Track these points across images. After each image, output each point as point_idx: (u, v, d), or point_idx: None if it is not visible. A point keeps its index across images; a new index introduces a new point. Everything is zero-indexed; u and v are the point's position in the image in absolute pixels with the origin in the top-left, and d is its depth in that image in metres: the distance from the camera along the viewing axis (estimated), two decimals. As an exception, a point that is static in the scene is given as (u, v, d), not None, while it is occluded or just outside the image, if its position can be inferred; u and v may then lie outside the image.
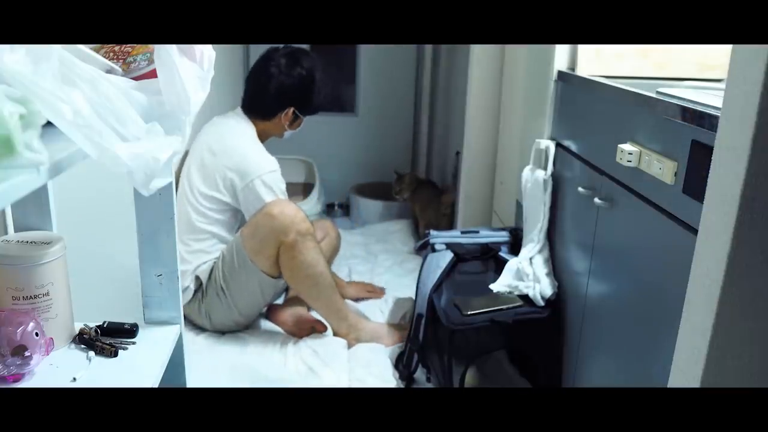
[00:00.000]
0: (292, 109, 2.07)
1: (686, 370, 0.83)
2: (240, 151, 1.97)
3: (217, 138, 2.02)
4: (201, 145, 2.02)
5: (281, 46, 2.10)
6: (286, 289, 2.14)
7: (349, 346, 1.93)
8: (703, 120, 0.92)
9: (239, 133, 2.03)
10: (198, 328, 2.00)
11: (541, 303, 1.54)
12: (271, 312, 2.08)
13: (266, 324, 2.07)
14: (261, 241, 1.87)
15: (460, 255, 1.75)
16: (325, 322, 1.99)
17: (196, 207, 1.96)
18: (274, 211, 1.85)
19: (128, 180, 0.71)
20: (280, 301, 2.15)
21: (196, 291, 1.96)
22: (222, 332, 1.99)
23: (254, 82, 2.07)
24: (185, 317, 2.02)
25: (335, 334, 1.97)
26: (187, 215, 1.96)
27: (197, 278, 1.95)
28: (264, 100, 2.06)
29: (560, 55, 1.56)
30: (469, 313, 1.54)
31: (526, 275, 1.60)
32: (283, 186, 1.98)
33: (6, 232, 1.12)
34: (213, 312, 1.96)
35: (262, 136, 2.06)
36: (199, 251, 1.96)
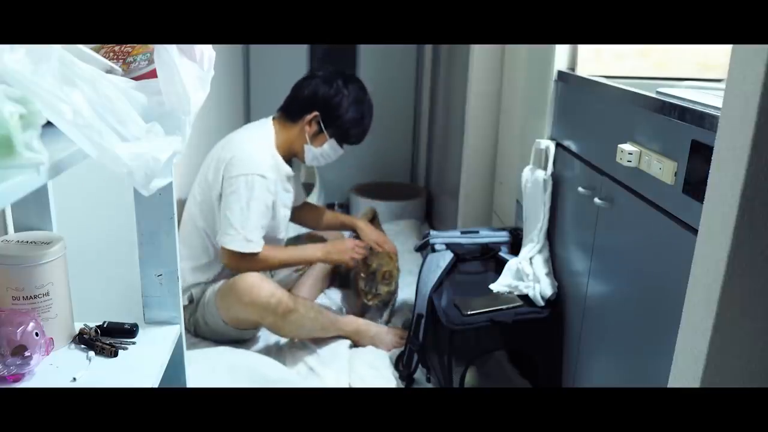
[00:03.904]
0: (315, 114, 1.96)
1: (686, 370, 0.83)
2: (244, 146, 1.94)
3: (233, 135, 2.04)
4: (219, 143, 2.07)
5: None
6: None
7: (356, 345, 1.94)
8: (703, 120, 0.92)
9: (253, 132, 2.02)
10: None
11: (541, 303, 1.54)
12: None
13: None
14: (237, 318, 1.89)
15: (460, 255, 1.75)
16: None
17: (197, 200, 1.97)
18: (245, 299, 1.83)
19: (128, 180, 0.71)
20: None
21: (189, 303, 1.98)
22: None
23: (296, 85, 2.05)
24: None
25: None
26: (192, 220, 1.98)
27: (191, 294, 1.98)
28: (295, 100, 2.02)
29: (560, 55, 1.56)
30: (469, 313, 1.54)
31: (526, 275, 1.60)
32: (267, 199, 1.89)
33: (6, 232, 1.12)
34: (198, 325, 1.99)
35: (284, 147, 1.99)
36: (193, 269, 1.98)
